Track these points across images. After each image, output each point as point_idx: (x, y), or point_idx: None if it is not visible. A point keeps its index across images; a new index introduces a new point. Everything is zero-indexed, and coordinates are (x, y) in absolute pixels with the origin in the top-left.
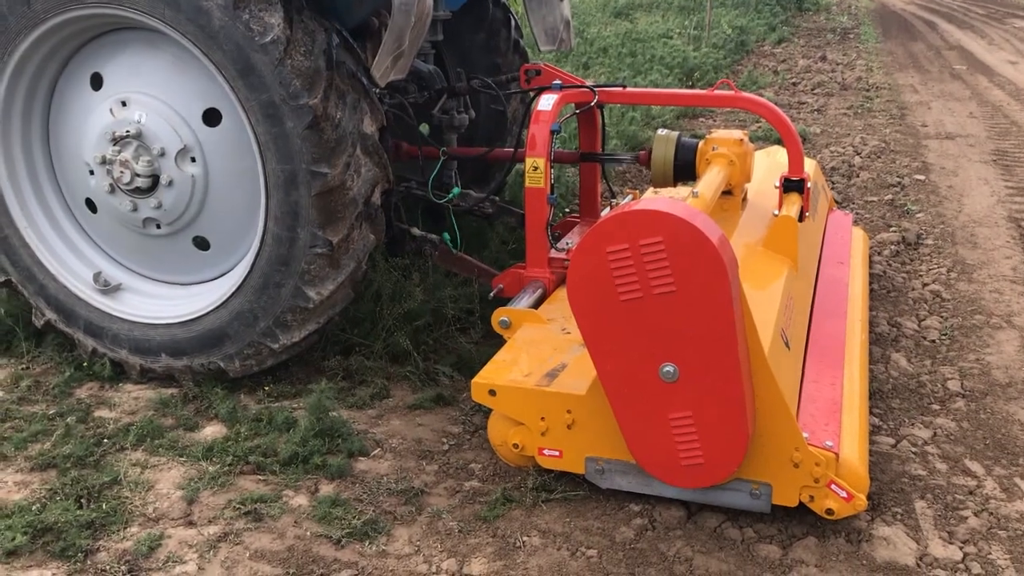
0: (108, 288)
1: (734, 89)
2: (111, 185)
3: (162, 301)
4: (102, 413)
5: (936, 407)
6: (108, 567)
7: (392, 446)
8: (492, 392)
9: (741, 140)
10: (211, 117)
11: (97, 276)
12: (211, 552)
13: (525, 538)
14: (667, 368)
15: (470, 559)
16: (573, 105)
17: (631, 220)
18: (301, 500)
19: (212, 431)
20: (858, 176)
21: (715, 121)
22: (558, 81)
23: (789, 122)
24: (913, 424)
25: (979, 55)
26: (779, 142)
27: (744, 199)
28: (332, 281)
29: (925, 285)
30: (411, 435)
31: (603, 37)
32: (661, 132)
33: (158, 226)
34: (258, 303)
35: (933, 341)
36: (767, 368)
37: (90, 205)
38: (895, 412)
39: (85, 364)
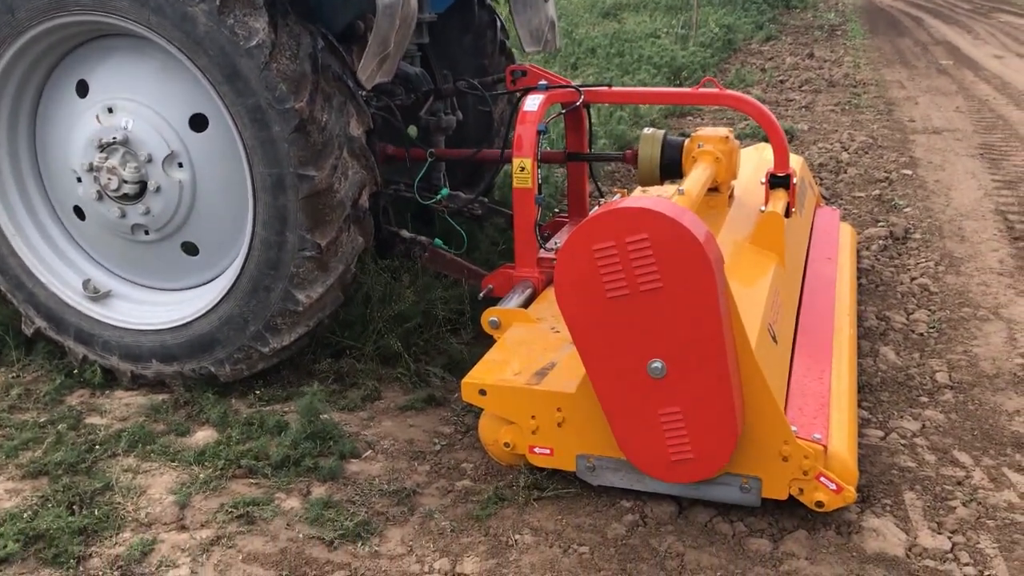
0: (98, 295)
1: (718, 87)
2: (99, 192)
3: (152, 307)
4: (93, 420)
5: (925, 399)
6: (100, 572)
7: (384, 447)
8: (482, 392)
9: (727, 137)
10: (198, 122)
11: (86, 283)
12: (204, 556)
13: (517, 536)
14: (655, 364)
15: (463, 558)
16: (560, 105)
17: (617, 217)
18: (293, 503)
19: (203, 436)
20: (846, 172)
21: (703, 120)
22: (544, 82)
23: (774, 118)
24: (902, 417)
25: (965, 50)
26: (766, 139)
27: (731, 196)
28: (321, 284)
29: (913, 279)
30: (403, 436)
31: (591, 38)
32: (647, 131)
33: (146, 232)
34: (248, 307)
35: (921, 334)
36: (754, 363)
37: (78, 212)
38: (884, 405)
39: (76, 371)
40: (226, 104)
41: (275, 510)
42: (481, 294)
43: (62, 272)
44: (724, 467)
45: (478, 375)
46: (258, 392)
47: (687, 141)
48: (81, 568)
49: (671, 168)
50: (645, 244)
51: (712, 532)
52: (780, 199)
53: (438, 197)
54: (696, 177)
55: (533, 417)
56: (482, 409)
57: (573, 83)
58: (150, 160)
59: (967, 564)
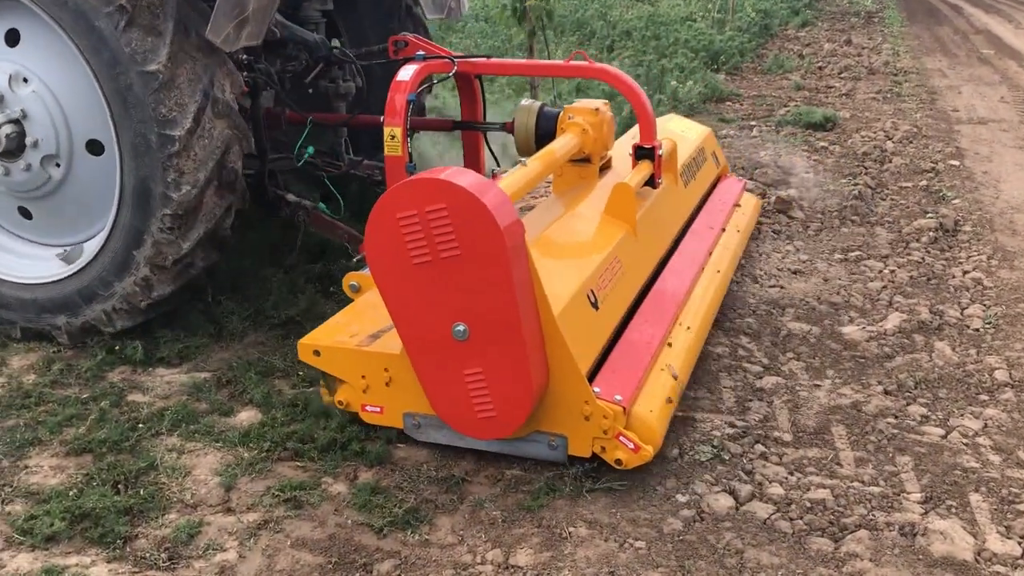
0: (72, 253)
1: (588, 60)
2: (3, 168)
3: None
4: (135, 397)
5: (985, 397)
6: (148, 554)
7: None
8: (317, 352)
9: (597, 110)
10: (12, 38)
11: (62, 254)
12: (251, 540)
13: (571, 529)
14: (459, 327)
15: (516, 550)
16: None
17: (417, 187)
18: (340, 487)
19: (247, 416)
20: (891, 161)
21: (742, 105)
22: (421, 52)
23: (640, 91)
24: (962, 415)
25: (1007, 40)
26: (819, 125)
27: (606, 167)
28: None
29: (966, 272)
30: None
31: (626, 20)
32: (524, 102)
33: (57, 164)
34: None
35: (977, 330)
36: (555, 328)
37: (23, 212)
38: (942, 402)
39: (117, 348)
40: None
41: (322, 495)
42: (355, 259)
43: (46, 265)
44: (523, 425)
45: (315, 336)
46: (301, 373)
47: (561, 112)
48: (128, 549)
49: (546, 139)
50: (443, 213)
51: (771, 530)
52: (644, 170)
53: (303, 160)
54: (549, 149)
55: (363, 377)
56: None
57: (454, 54)
58: (1, 98)
59: None
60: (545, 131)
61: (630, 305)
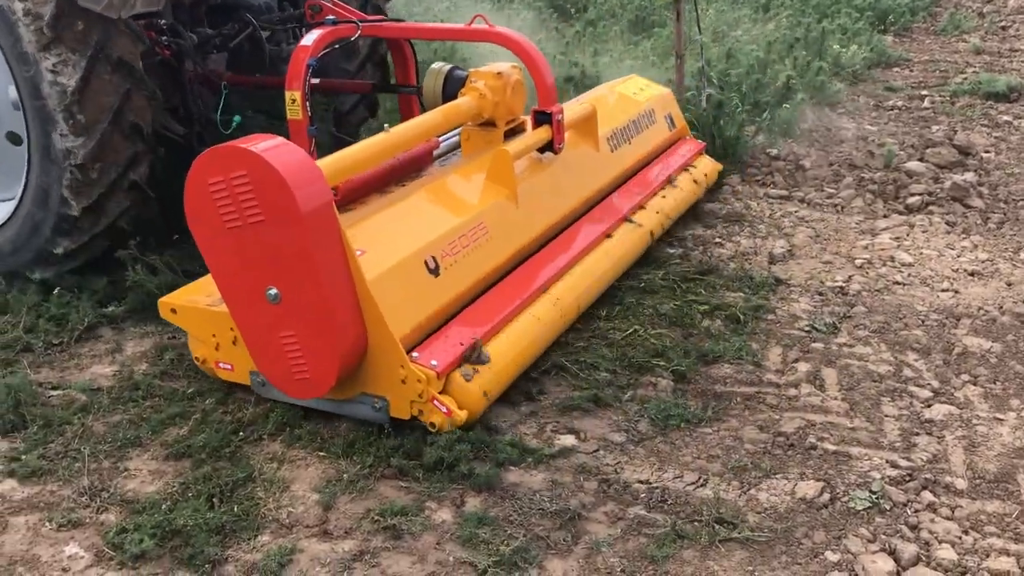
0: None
1: (488, 23)
2: None
3: None
4: (243, 394)
5: None
6: None
7: (546, 454)
8: (174, 311)
9: (499, 73)
10: None
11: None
12: (345, 574)
13: None
14: (271, 291)
15: None
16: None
17: (221, 155)
18: (444, 515)
19: (353, 422)
20: None
21: (912, 72)
22: (331, 17)
23: (537, 56)
24: None
25: None
26: (1002, 95)
27: (516, 131)
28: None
29: None
30: (566, 442)
31: None
32: (434, 65)
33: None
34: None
35: None
36: (368, 294)
37: (12, 138)
38: None
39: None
40: None
41: (424, 523)
42: None
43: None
44: (337, 387)
45: (175, 295)
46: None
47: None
48: (215, 574)
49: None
50: (245, 180)
51: None
52: (538, 136)
53: (234, 126)
54: (422, 117)
55: (214, 335)
56: None
57: (366, 17)
58: None
59: None
60: (451, 94)
61: (496, 272)
